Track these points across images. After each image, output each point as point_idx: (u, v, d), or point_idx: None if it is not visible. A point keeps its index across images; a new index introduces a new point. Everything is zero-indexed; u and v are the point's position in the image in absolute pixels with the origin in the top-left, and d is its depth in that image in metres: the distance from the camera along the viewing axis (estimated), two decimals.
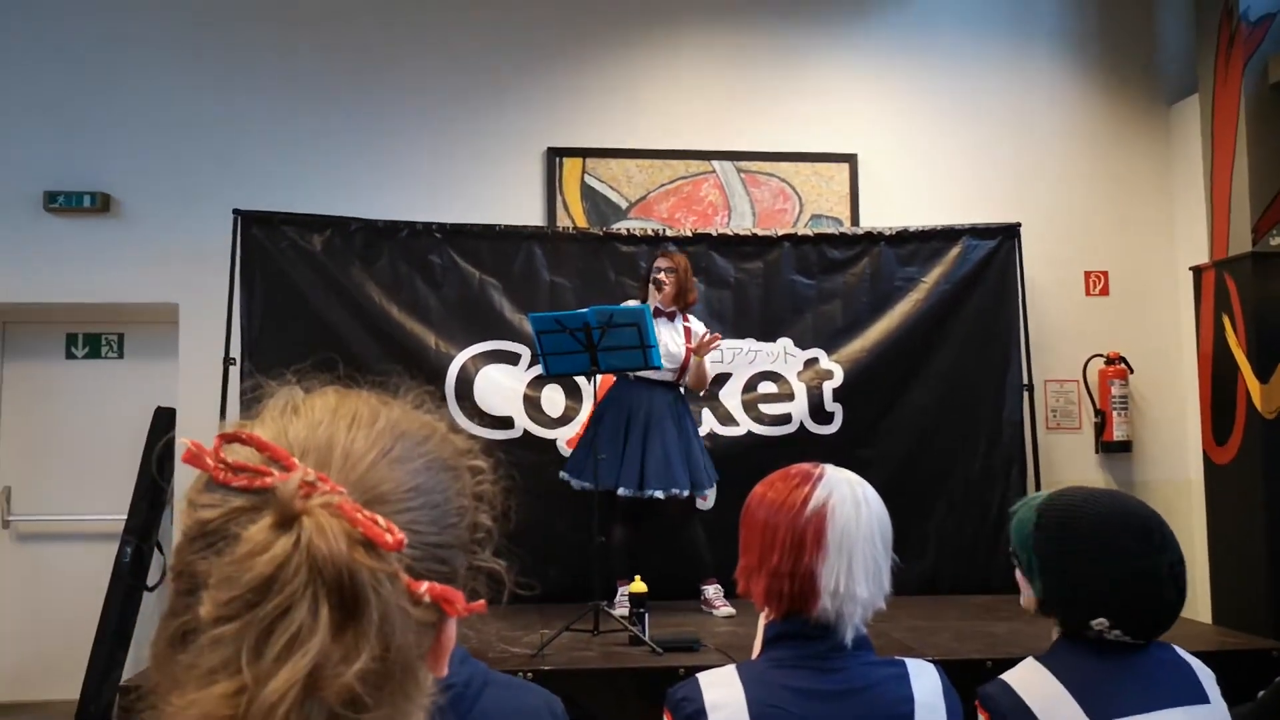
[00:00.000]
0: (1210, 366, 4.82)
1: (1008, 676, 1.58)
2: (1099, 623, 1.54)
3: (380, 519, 0.55)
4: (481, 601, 0.62)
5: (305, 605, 0.51)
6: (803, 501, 1.46)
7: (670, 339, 4.40)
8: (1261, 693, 1.80)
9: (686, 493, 4.31)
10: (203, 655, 0.52)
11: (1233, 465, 4.62)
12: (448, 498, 0.62)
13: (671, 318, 4.47)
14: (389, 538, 0.54)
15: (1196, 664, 1.59)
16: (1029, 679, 1.55)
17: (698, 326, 4.56)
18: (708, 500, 4.61)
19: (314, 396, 0.63)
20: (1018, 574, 1.68)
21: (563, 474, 4.44)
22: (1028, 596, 1.66)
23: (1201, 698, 1.54)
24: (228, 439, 0.58)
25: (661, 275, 4.46)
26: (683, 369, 4.43)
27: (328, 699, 0.51)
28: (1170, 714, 1.51)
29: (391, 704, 0.54)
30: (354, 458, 0.58)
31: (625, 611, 3.77)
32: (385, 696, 0.54)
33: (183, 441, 0.58)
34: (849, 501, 1.46)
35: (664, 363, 4.31)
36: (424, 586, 0.56)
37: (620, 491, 4.23)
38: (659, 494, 4.25)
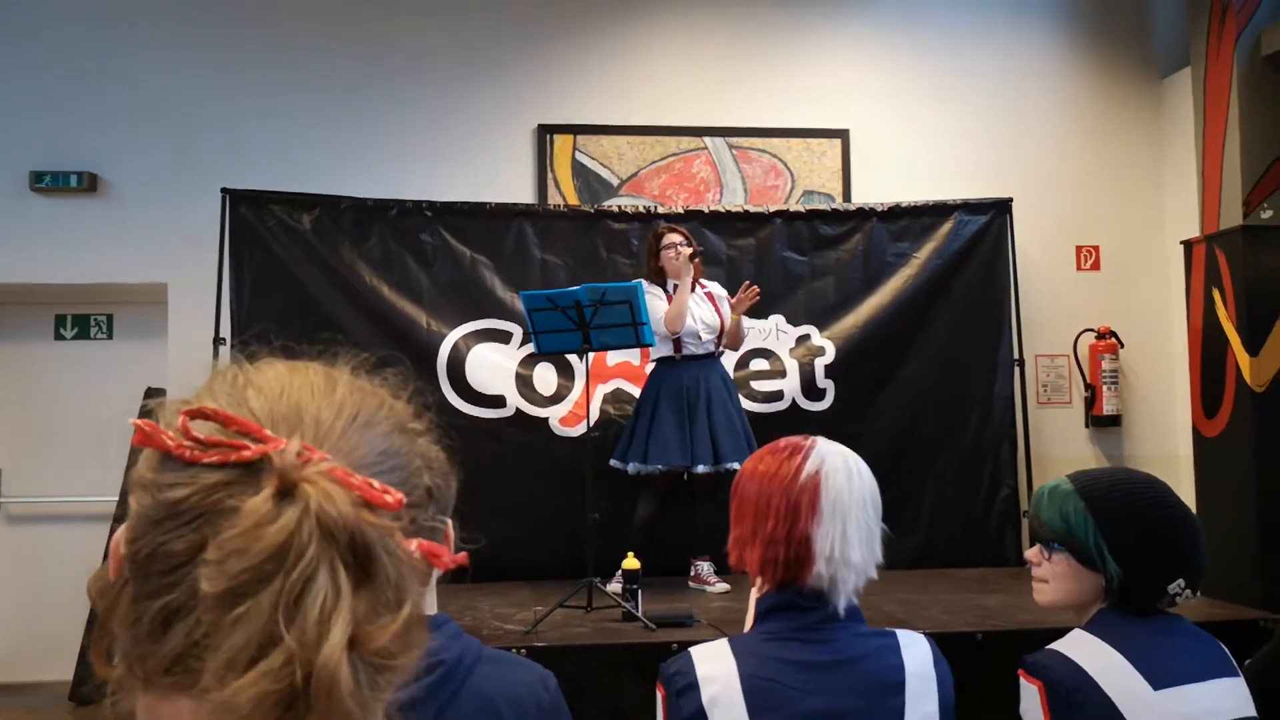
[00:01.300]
0: (1200, 340, 4.83)
1: (1059, 646, 1.57)
2: (1175, 585, 1.57)
3: (375, 481, 0.56)
4: (464, 554, 0.64)
5: (325, 570, 0.52)
6: (795, 471, 1.46)
7: (704, 311, 4.36)
8: (1252, 659, 1.83)
9: None
10: (219, 636, 0.51)
11: (1222, 438, 4.64)
12: (409, 459, 0.64)
13: (690, 289, 4.39)
14: (389, 498, 0.56)
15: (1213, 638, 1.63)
16: (1083, 647, 1.55)
17: (716, 289, 4.52)
18: None
19: (262, 367, 0.63)
20: (1044, 569, 1.65)
21: (615, 462, 4.35)
22: (1067, 588, 1.63)
23: (1235, 671, 1.59)
24: (193, 415, 0.57)
25: (686, 249, 4.31)
26: (720, 334, 4.41)
27: (366, 656, 0.53)
28: (1219, 684, 1.54)
29: (408, 651, 0.57)
30: (324, 425, 0.59)
31: (619, 588, 3.78)
32: (405, 645, 0.56)
33: (133, 423, 0.57)
34: (841, 470, 1.47)
35: (704, 334, 4.30)
36: (414, 543, 0.58)
37: (699, 469, 4.21)
38: (736, 465, 4.27)
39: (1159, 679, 1.49)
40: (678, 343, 4.31)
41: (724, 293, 4.51)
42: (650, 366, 4.46)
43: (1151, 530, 1.58)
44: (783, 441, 1.54)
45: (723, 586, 4.27)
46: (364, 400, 0.62)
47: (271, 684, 0.50)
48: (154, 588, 0.55)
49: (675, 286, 4.31)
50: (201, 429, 0.57)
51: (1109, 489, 1.62)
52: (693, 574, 4.38)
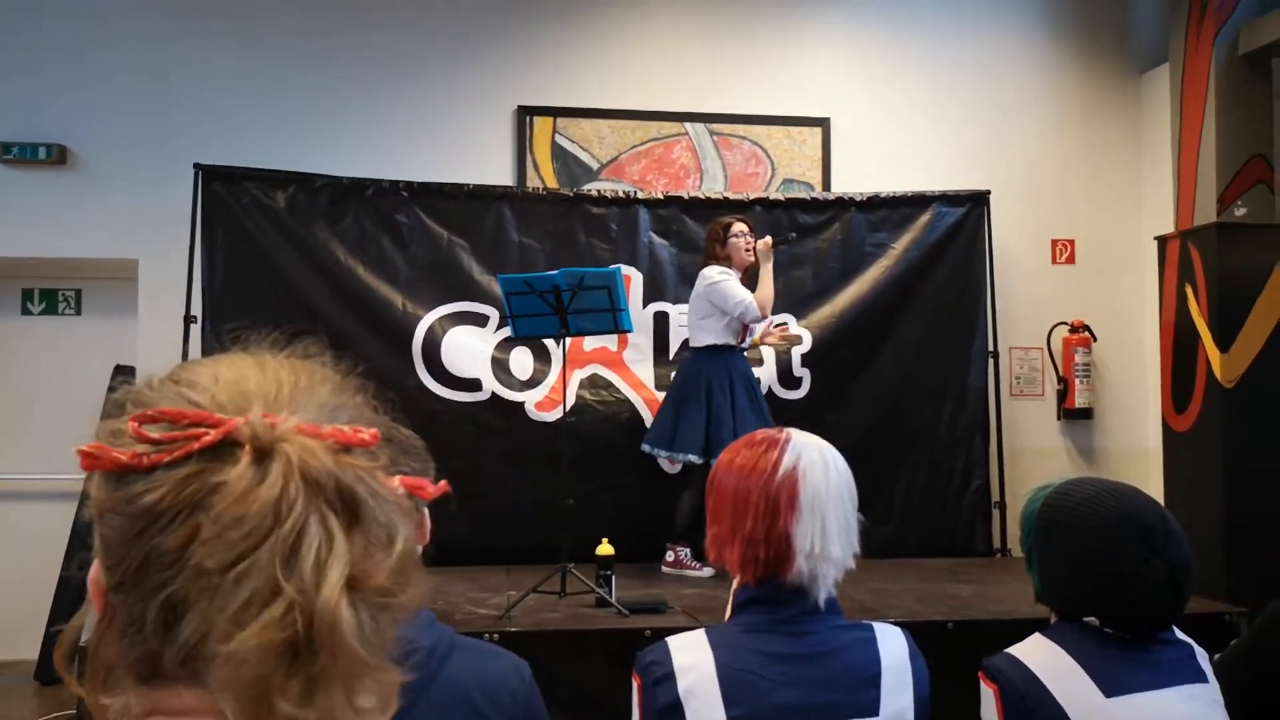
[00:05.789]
0: (1172, 335, 4.87)
1: (1015, 651, 1.57)
2: (1090, 620, 1.57)
3: (343, 426, 0.59)
4: (444, 482, 0.67)
5: (315, 519, 0.55)
6: (773, 466, 1.46)
7: None
8: (1233, 641, 1.84)
9: None
10: (223, 599, 0.53)
11: (1191, 433, 4.69)
12: (361, 410, 0.66)
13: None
14: (364, 435, 0.59)
15: (1193, 643, 1.61)
16: (1038, 653, 1.55)
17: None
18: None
19: (187, 367, 0.65)
20: None
21: (690, 457, 4.29)
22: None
23: (1201, 676, 1.58)
24: (142, 420, 0.58)
25: (764, 240, 4.44)
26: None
27: (366, 597, 0.55)
28: (1177, 691, 1.53)
29: (407, 588, 0.59)
30: (269, 397, 0.61)
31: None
32: (403, 582, 0.58)
33: (78, 451, 0.58)
34: (818, 464, 1.46)
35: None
36: (396, 480, 0.60)
37: None
38: None
39: (1112, 686, 1.49)
40: (743, 331, 4.39)
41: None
42: (694, 352, 4.42)
43: (1065, 555, 1.57)
44: (758, 434, 1.54)
45: (707, 571, 4.25)
46: (296, 370, 0.64)
47: (276, 632, 0.52)
48: (154, 584, 0.55)
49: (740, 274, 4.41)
50: (152, 431, 0.57)
51: (1066, 505, 1.59)
52: (671, 558, 4.37)
